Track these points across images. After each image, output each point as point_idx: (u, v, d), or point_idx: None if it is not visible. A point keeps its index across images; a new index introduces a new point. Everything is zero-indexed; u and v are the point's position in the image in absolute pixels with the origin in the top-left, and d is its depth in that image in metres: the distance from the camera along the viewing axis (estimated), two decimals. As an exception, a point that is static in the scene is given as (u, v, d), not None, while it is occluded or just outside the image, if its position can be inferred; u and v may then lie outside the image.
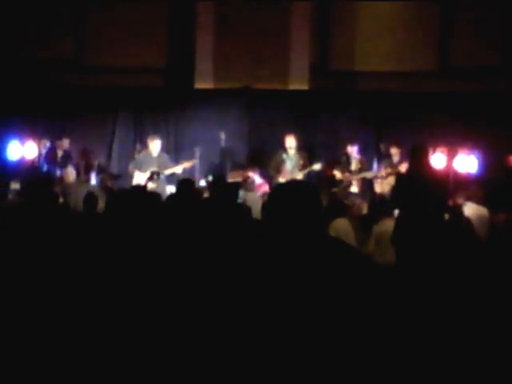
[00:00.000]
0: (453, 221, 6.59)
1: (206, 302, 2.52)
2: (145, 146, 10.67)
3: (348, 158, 10.63)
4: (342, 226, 6.92)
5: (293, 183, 2.86)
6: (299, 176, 10.18)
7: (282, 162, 10.40)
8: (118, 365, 2.91)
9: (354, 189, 10.37)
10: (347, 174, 10.44)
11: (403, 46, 12.14)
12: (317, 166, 10.34)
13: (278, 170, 10.35)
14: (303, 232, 2.42)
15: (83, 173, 10.72)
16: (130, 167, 10.46)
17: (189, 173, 10.37)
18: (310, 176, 10.38)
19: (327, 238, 2.54)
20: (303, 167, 10.36)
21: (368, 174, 10.51)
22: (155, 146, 10.31)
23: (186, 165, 10.27)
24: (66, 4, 12.48)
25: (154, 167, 10.15)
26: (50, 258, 3.69)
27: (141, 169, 10.18)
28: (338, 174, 10.49)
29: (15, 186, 8.90)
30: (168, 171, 10.17)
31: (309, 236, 2.43)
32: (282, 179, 10.04)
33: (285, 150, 10.47)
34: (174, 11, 12.52)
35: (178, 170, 10.20)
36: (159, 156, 10.33)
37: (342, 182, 10.44)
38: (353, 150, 10.63)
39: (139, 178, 10.10)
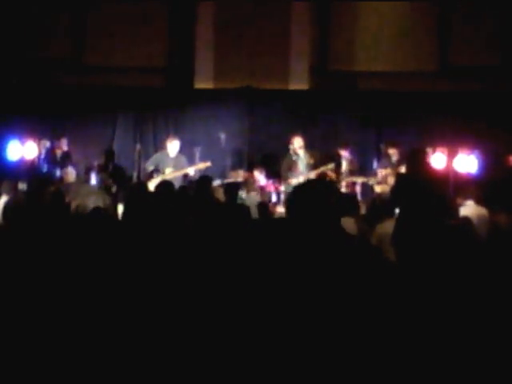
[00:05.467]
0: (452, 221, 6.59)
1: (216, 297, 2.53)
2: (162, 146, 10.73)
3: (340, 159, 10.64)
4: (348, 226, 6.89)
5: (312, 182, 2.87)
6: (311, 175, 10.17)
7: (294, 162, 10.38)
8: (118, 364, 2.90)
9: (343, 190, 10.27)
10: (339, 175, 10.42)
11: (403, 46, 12.14)
12: (331, 166, 10.31)
13: (290, 170, 10.34)
14: (322, 228, 2.44)
15: (83, 173, 10.74)
16: (147, 165, 10.50)
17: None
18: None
19: (346, 234, 2.58)
20: (315, 166, 10.34)
21: (358, 179, 10.47)
22: (173, 146, 10.39)
23: (200, 166, 10.26)
24: (65, 4, 12.47)
25: (171, 167, 10.21)
26: (53, 257, 3.69)
27: (158, 168, 10.24)
28: (331, 174, 10.45)
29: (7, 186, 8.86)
30: (181, 172, 10.18)
31: (327, 231, 2.45)
32: (294, 180, 10.11)
33: (294, 150, 10.43)
34: (174, 11, 12.52)
35: (191, 171, 10.20)
36: (177, 157, 10.39)
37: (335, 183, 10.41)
38: (345, 153, 10.65)
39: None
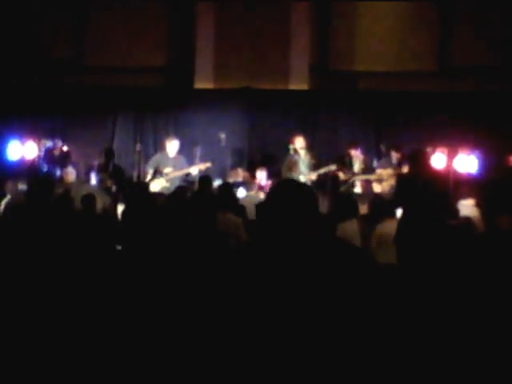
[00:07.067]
0: (455, 221, 6.59)
1: (207, 302, 2.52)
2: (162, 146, 10.73)
3: (351, 158, 10.64)
4: (350, 228, 6.87)
5: (290, 183, 2.79)
6: (313, 176, 10.19)
7: (295, 162, 10.38)
8: (118, 365, 2.91)
9: (358, 189, 10.36)
10: (350, 175, 10.43)
11: (403, 46, 12.14)
12: (333, 167, 10.32)
13: (291, 171, 10.34)
14: (299, 231, 2.42)
15: (83, 173, 10.74)
16: (148, 167, 10.49)
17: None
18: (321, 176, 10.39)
19: (326, 236, 2.54)
20: (316, 167, 10.35)
21: (371, 177, 10.49)
22: (172, 146, 10.38)
23: (201, 167, 10.25)
24: (66, 4, 12.47)
25: (170, 168, 10.21)
26: (54, 256, 3.69)
27: (158, 168, 10.24)
28: (341, 174, 10.47)
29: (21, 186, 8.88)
30: (182, 172, 10.18)
31: (306, 235, 2.43)
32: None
33: (295, 150, 10.43)
34: (174, 11, 12.52)
35: (194, 171, 10.20)
36: (176, 157, 10.38)
37: (346, 183, 10.42)
38: (356, 153, 10.66)
39: (158, 183, 10.12)
